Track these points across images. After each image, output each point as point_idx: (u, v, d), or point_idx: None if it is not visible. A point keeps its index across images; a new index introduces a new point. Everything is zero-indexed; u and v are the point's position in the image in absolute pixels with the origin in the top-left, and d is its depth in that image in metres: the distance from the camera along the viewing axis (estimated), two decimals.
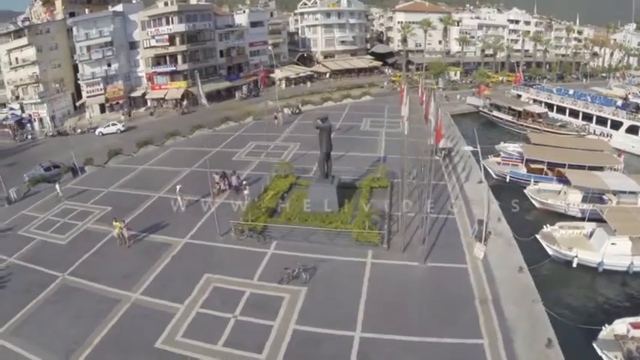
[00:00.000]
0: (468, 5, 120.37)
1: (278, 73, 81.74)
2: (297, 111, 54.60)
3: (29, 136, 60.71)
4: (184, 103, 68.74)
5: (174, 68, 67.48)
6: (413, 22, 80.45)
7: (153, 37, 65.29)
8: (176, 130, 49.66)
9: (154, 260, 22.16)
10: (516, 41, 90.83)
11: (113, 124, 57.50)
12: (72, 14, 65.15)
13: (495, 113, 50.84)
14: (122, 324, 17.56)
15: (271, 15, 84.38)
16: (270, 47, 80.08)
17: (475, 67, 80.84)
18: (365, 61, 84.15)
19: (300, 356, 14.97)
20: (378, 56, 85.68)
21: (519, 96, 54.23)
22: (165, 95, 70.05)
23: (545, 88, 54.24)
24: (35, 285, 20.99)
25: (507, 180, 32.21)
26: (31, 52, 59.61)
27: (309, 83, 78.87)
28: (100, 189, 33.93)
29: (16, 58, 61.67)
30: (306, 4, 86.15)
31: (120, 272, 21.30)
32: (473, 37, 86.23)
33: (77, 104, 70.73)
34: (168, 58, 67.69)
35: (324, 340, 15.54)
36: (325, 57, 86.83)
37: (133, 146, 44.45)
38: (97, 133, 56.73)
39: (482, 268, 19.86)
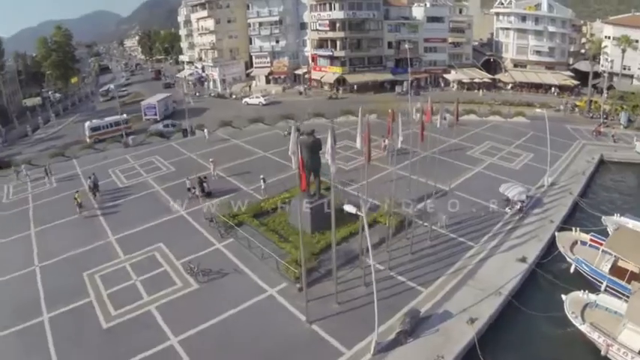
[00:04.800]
0: None
1: (452, 75, 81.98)
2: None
3: (197, 93, 79.64)
4: (340, 89, 76.86)
5: (331, 53, 75.93)
6: (611, 37, 66.76)
7: (317, 20, 74.85)
8: (292, 114, 57.13)
9: (152, 219, 30.37)
10: None
11: (257, 97, 70.58)
12: None
13: None
14: (86, 253, 26.45)
15: (460, 12, 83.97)
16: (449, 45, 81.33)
17: None
18: (558, 78, 75.26)
19: (125, 327, 19.88)
20: (581, 74, 75.18)
21: None
22: (321, 78, 79.84)
23: None
24: (79, 208, 32.22)
25: (571, 270, 26.73)
26: (210, 23, 77.98)
27: (481, 91, 76.33)
28: (185, 152, 44.51)
29: (202, 26, 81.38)
30: (502, 3, 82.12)
31: (123, 219, 30.56)
32: None
33: (247, 72, 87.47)
34: (329, 42, 76.37)
35: (149, 330, 19.53)
36: (515, 65, 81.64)
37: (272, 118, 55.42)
38: (243, 101, 70.40)
39: None
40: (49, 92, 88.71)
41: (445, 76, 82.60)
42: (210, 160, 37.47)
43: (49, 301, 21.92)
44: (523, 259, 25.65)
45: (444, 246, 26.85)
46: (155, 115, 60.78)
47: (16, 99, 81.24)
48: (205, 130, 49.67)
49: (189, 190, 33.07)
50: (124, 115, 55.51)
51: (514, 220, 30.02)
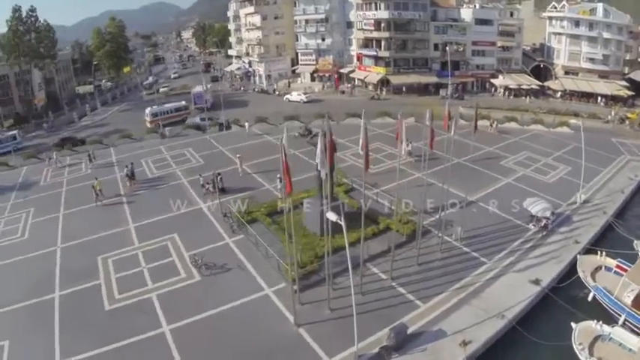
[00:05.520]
0: None
1: (500, 80, 79.78)
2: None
3: (242, 88, 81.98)
4: (384, 89, 76.59)
5: (375, 53, 75.66)
6: None
7: (362, 19, 74.88)
8: (329, 113, 57.22)
9: (172, 210, 31.85)
10: None
11: (298, 95, 71.89)
12: None
13: None
14: (105, 238, 28.36)
15: (511, 15, 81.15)
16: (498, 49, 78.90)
17: None
18: (611, 87, 70.96)
19: (125, 311, 21.24)
20: (636, 85, 70.81)
21: None
22: (365, 78, 79.74)
23: None
24: (106, 194, 34.27)
25: (589, 298, 25.13)
26: (257, 19, 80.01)
27: (528, 98, 73.77)
28: (218, 146, 45.94)
29: (249, 22, 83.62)
30: (555, 7, 78.40)
31: (143, 208, 32.35)
32: None
33: (292, 69, 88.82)
34: (374, 42, 76.13)
35: (146, 316, 20.75)
36: (566, 73, 77.96)
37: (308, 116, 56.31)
38: (284, 98, 71.77)
39: None
40: (102, 81, 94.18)
41: (492, 81, 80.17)
42: (238, 156, 38.63)
43: (63, 280, 23.86)
44: (536, 282, 24.12)
45: (454, 260, 25.85)
46: (205, 103, 62.28)
47: (69, 86, 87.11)
48: (246, 124, 51.68)
49: (202, 186, 34.24)
50: (183, 102, 59.76)
51: (536, 238, 28.29)
